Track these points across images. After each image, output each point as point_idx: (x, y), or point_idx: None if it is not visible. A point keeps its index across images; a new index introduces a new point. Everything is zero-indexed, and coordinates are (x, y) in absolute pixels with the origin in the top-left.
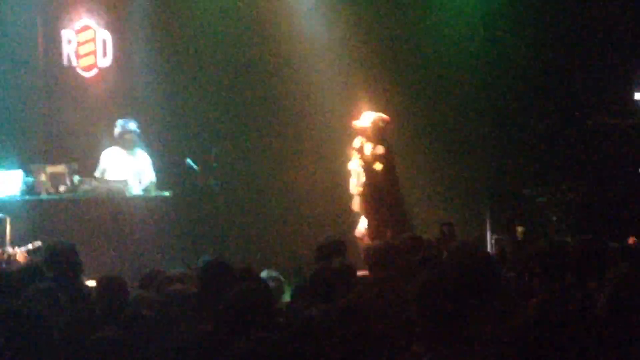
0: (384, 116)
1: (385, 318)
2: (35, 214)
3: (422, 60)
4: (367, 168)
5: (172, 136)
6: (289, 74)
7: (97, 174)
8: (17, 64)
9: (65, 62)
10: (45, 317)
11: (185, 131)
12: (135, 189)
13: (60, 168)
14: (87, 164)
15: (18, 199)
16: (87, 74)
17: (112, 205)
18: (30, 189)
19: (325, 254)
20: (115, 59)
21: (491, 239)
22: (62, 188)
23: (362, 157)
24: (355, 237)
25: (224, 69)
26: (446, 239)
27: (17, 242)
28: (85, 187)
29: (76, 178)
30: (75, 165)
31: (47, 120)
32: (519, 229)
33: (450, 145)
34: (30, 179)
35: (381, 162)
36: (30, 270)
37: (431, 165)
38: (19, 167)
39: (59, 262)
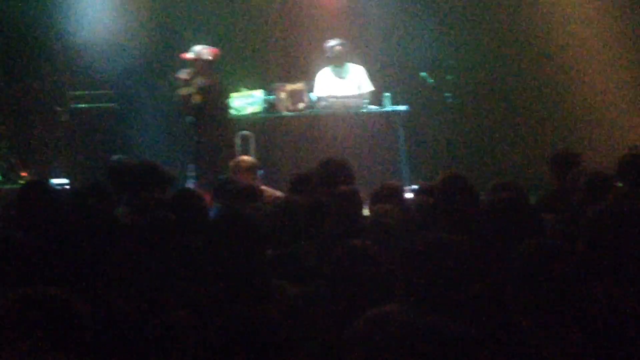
0: (212, 49)
1: None
2: (276, 130)
3: None
4: (188, 99)
5: (406, 51)
6: None
7: (315, 93)
8: None
9: None
10: None
11: (420, 45)
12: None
13: (298, 86)
14: None
15: (261, 116)
16: None
17: (349, 121)
18: (271, 107)
19: (560, 167)
20: None
21: None
22: (300, 105)
23: (187, 87)
24: None
25: None
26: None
27: (263, 158)
28: (323, 103)
29: (314, 95)
30: (313, 83)
31: (286, 38)
32: None
33: None
34: (271, 97)
35: (201, 94)
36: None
37: None
38: (261, 87)
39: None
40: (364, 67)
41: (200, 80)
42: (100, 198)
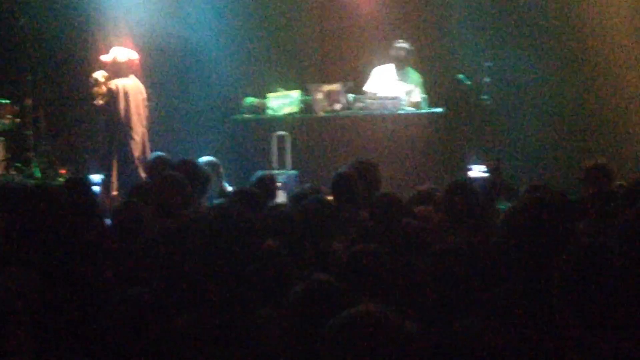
0: (129, 53)
1: None
2: (312, 131)
3: None
4: (98, 100)
5: (443, 52)
6: None
7: (366, 88)
8: None
9: None
10: None
11: (457, 47)
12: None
13: (335, 86)
14: (361, 82)
15: (297, 117)
16: None
17: (386, 122)
18: (307, 108)
19: (593, 177)
20: None
21: None
22: (337, 106)
23: (97, 88)
24: None
25: None
26: None
27: (298, 158)
28: (360, 104)
29: (351, 96)
30: (350, 83)
31: (323, 39)
32: None
33: None
34: (307, 98)
35: (106, 97)
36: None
37: None
38: (298, 87)
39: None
40: (422, 76)
41: (110, 84)
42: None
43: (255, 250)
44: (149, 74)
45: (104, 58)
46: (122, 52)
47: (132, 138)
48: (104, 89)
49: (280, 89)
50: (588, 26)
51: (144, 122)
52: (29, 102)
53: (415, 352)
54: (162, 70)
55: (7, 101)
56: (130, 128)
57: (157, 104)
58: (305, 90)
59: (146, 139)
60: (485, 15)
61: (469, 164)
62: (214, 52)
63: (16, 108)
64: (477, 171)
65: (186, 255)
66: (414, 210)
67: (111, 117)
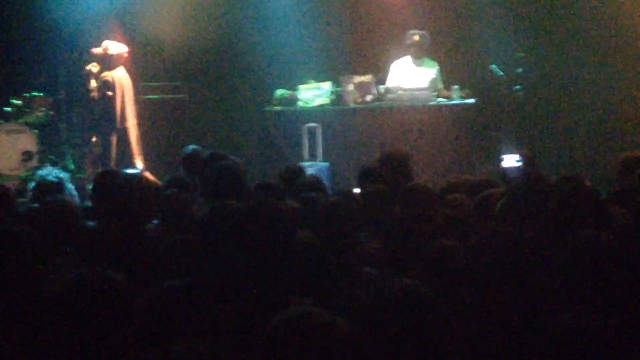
0: (119, 46)
1: None
2: (343, 122)
3: None
4: (91, 93)
5: (475, 43)
6: None
7: (388, 84)
8: None
9: None
10: None
11: (490, 37)
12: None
13: (367, 78)
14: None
15: (328, 108)
16: None
17: (417, 114)
18: (339, 99)
19: (628, 169)
20: None
21: None
22: (368, 97)
23: (93, 81)
24: None
25: None
26: None
27: (329, 149)
28: (391, 96)
29: (382, 87)
30: (381, 75)
31: (354, 31)
32: None
33: None
34: (338, 89)
35: (102, 90)
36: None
37: None
38: (329, 79)
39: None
40: (438, 64)
41: (105, 76)
42: (181, 189)
43: (290, 241)
44: (180, 67)
45: (94, 51)
46: (113, 45)
47: (127, 128)
48: (97, 81)
49: (311, 80)
50: (622, 15)
51: (135, 113)
52: (62, 95)
53: (349, 350)
54: (194, 63)
55: (41, 94)
56: (126, 118)
57: (188, 96)
58: (337, 82)
59: (137, 129)
60: (517, 5)
61: (502, 154)
62: (245, 44)
63: (50, 100)
64: (511, 160)
65: (220, 247)
66: (446, 198)
67: (108, 109)
